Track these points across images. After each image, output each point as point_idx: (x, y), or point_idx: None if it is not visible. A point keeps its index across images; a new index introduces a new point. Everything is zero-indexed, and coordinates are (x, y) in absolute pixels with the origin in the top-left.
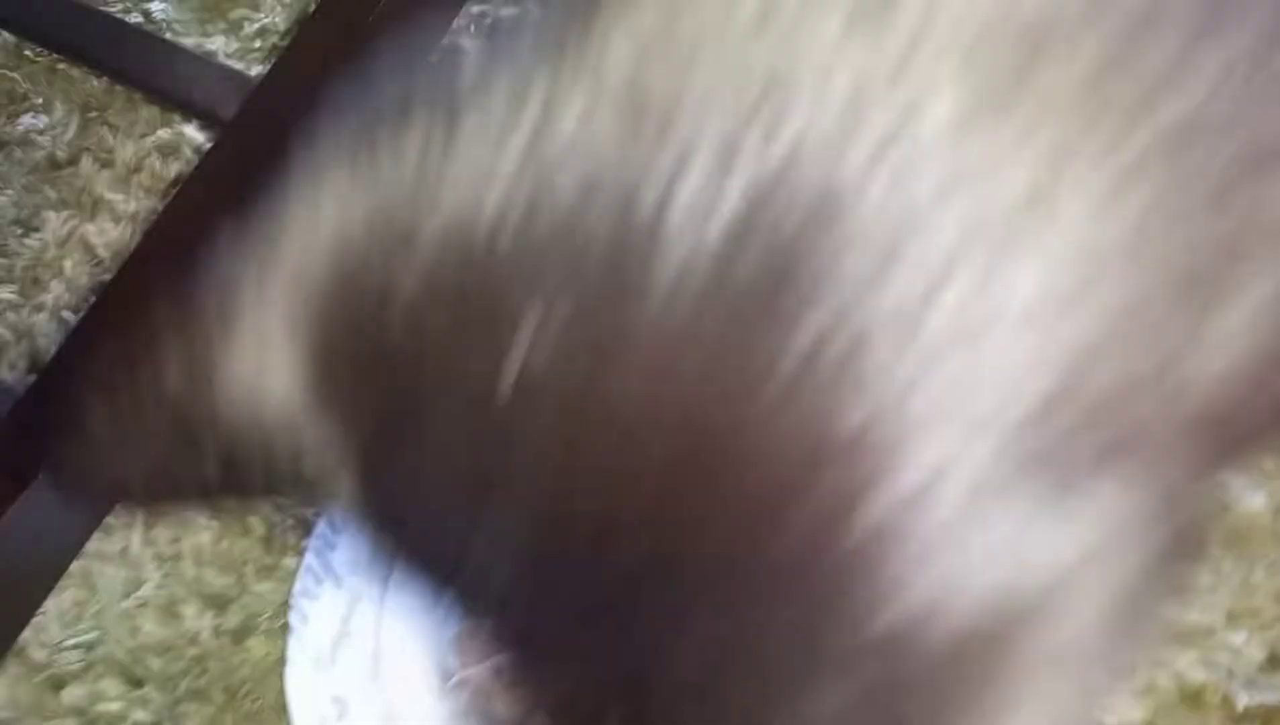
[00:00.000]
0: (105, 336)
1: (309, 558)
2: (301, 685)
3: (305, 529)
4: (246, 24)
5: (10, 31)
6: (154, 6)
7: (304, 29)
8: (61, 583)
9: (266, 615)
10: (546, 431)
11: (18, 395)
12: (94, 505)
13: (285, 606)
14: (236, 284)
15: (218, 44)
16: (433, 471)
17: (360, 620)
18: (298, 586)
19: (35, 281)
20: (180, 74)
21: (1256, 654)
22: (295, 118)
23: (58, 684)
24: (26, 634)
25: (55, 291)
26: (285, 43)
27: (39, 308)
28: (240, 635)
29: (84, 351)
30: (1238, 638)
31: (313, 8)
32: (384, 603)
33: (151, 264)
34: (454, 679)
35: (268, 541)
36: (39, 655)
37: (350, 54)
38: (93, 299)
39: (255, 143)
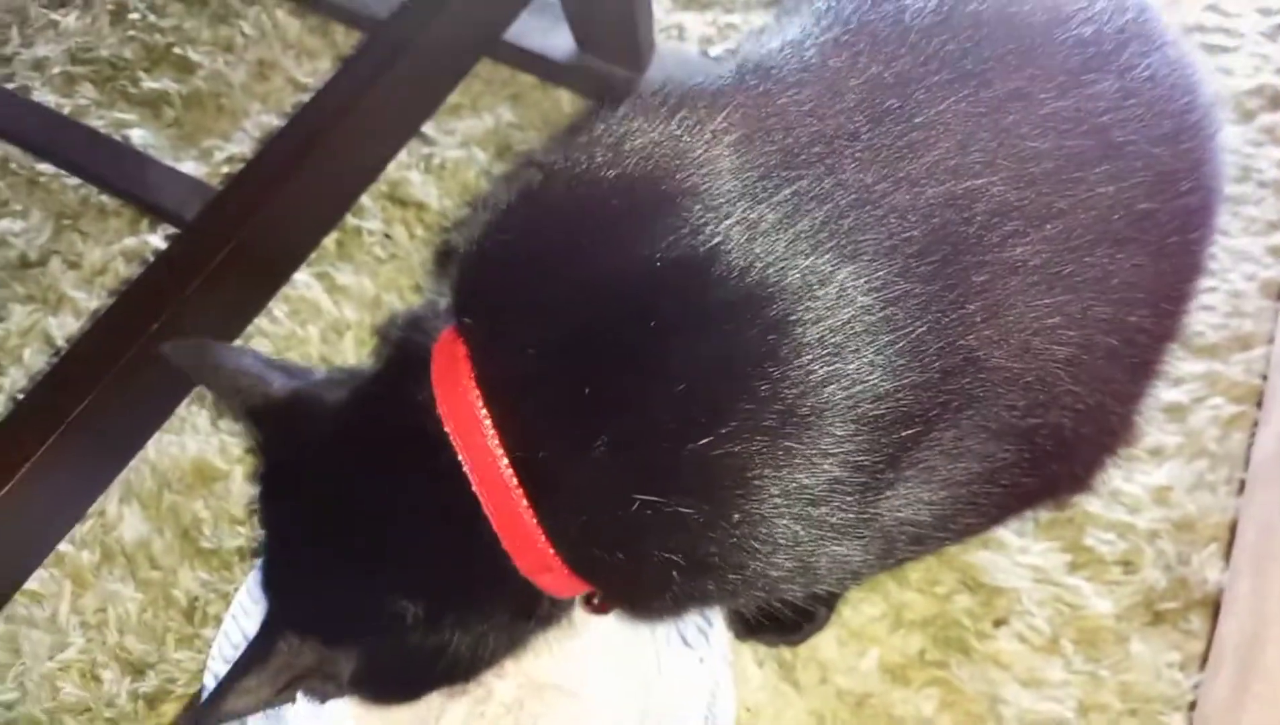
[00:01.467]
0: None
1: (226, 624)
2: None
3: (226, 603)
4: (216, 152)
5: (3, 138)
6: (133, 132)
7: (267, 147)
8: None
9: (182, 682)
10: None
11: None
12: None
13: (201, 674)
14: None
15: (188, 168)
16: None
17: None
18: (214, 651)
19: None
20: (151, 181)
21: None
22: (250, 222)
23: None
24: None
25: (12, 376)
26: None
27: None
28: (155, 700)
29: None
30: None
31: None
32: None
33: (100, 342)
34: None
35: (189, 613)
36: None
37: (307, 168)
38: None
39: (213, 240)
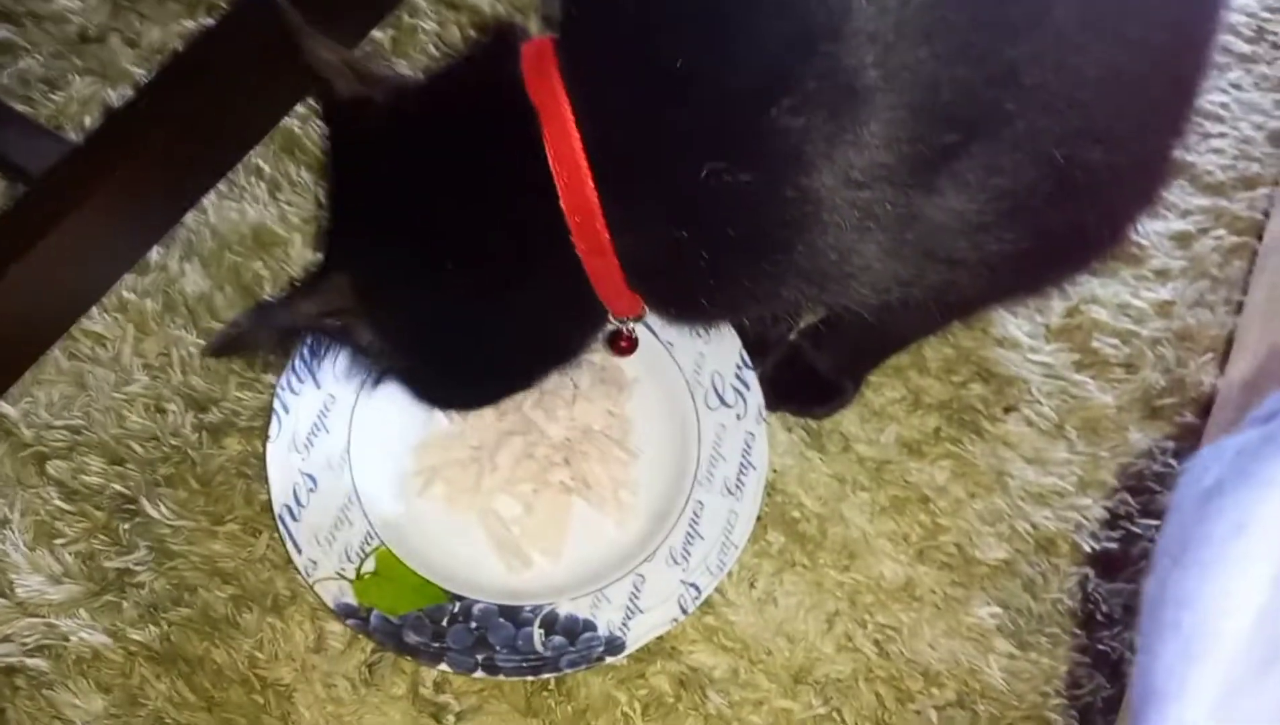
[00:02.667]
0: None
1: (295, 361)
2: (279, 460)
3: (285, 349)
4: None
5: None
6: None
7: None
8: (51, 379)
9: (245, 416)
10: None
11: None
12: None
13: (262, 412)
14: None
15: None
16: None
17: (334, 418)
18: (282, 381)
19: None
20: None
21: (1099, 513)
22: None
23: (42, 459)
24: (14, 416)
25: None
26: None
27: None
28: (218, 433)
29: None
30: (1085, 500)
31: None
32: (356, 407)
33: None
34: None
35: (250, 360)
36: (26, 435)
37: None
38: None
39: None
